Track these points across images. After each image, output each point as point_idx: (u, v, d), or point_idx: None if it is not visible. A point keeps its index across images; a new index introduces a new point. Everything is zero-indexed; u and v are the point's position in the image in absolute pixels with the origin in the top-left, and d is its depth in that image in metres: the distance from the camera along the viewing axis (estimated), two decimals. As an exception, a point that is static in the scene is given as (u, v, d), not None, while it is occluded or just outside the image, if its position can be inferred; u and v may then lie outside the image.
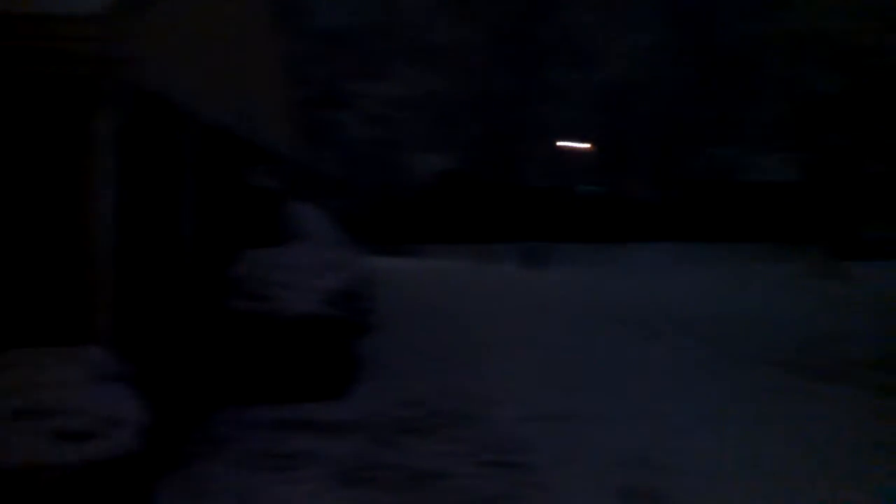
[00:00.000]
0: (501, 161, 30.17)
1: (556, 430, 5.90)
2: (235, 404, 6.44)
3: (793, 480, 4.82)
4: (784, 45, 28.70)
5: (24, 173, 4.37)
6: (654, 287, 15.36)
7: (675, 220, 31.88)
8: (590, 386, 7.42)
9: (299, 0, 24.99)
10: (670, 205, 33.81)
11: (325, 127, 26.04)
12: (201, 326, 6.70)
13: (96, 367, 4.08)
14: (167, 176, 5.87)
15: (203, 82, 6.46)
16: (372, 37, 29.55)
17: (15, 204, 4.35)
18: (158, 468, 4.40)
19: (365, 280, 8.20)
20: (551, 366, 8.32)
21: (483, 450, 5.42)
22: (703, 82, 33.58)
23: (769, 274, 18.72)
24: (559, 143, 34.64)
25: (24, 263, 4.36)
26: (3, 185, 4.34)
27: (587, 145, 36.20)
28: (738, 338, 10.10)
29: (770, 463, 5.16)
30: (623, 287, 15.62)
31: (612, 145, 35.65)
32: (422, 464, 5.14)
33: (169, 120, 5.77)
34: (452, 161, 30.65)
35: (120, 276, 4.54)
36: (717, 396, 7.06)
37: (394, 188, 28.48)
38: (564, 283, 16.23)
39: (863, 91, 25.05)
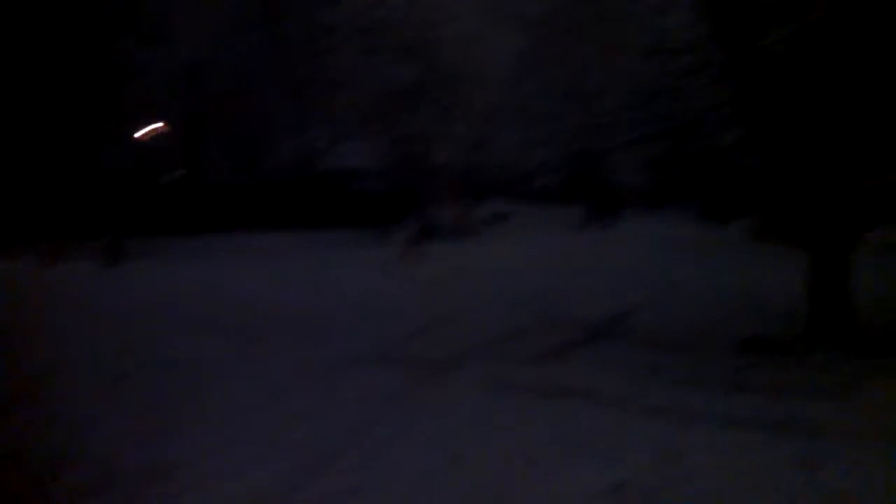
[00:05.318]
0: (69, 142, 26.21)
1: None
2: None
3: None
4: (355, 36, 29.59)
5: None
6: (240, 282, 14.37)
7: (259, 207, 31.16)
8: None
9: None
10: (253, 191, 32.95)
11: None
12: None
13: None
14: None
15: None
16: None
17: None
18: None
19: None
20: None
21: None
22: (281, 68, 33.24)
23: (357, 260, 18.84)
24: (136, 125, 31.51)
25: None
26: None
27: (164, 127, 33.55)
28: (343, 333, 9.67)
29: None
30: (203, 282, 14.35)
31: (192, 130, 33.56)
32: None
33: None
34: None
35: None
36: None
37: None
38: (143, 282, 14.40)
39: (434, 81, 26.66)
